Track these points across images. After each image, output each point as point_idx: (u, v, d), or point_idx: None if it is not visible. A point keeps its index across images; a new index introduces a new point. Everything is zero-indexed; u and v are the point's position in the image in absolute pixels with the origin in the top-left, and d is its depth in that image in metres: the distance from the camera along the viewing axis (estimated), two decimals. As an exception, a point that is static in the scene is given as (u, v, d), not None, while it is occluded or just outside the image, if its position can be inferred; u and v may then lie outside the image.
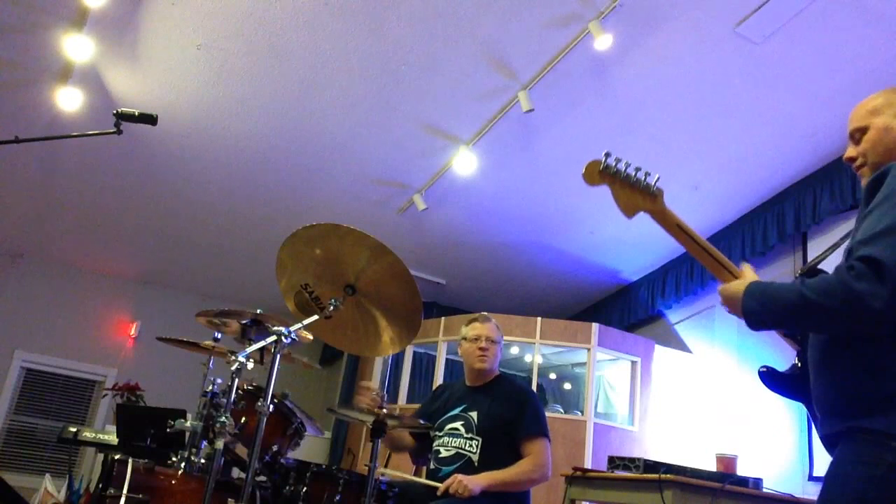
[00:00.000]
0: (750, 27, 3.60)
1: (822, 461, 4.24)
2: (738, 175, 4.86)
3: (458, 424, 2.76)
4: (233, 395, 2.08)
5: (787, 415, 4.56)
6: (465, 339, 2.90)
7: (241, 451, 2.50)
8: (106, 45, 4.02)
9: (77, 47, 3.90)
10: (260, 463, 2.45)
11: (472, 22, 3.74)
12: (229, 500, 2.18)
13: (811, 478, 4.30)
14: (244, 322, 2.72)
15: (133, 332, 7.04)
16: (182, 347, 3.24)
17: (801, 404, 1.62)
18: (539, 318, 5.41)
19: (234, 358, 1.97)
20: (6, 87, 4.42)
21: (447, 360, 5.80)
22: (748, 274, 1.46)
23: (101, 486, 2.26)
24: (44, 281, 6.77)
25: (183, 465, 2.37)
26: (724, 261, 1.49)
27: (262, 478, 2.51)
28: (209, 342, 2.99)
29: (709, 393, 5.34)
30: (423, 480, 2.71)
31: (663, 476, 2.68)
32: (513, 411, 2.70)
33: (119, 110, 2.22)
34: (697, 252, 1.48)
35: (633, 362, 5.46)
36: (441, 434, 2.79)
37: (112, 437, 4.15)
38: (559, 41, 3.81)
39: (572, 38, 3.76)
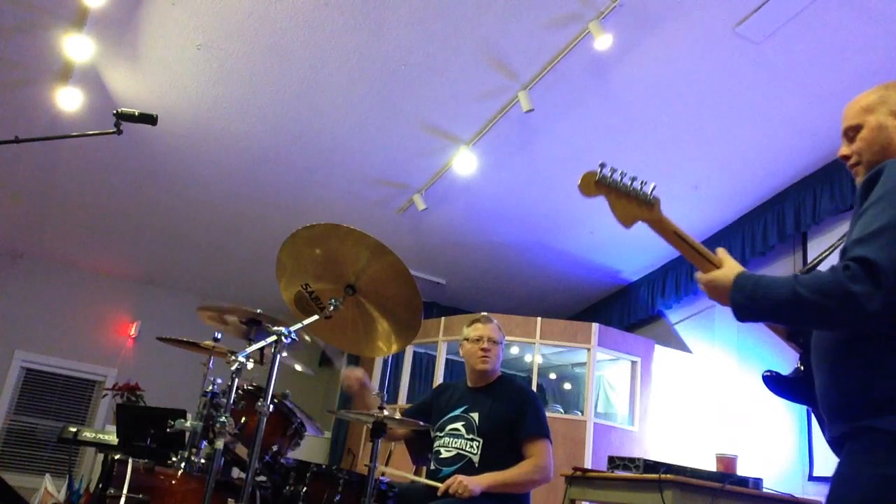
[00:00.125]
0: (750, 27, 3.60)
1: (822, 461, 4.24)
2: (738, 175, 4.86)
3: (458, 425, 2.76)
4: (233, 395, 2.08)
5: (787, 415, 4.56)
6: (466, 339, 2.89)
7: (241, 451, 2.50)
8: (106, 45, 4.02)
9: (77, 47, 3.89)
10: (260, 463, 2.45)
11: (472, 22, 3.74)
12: (229, 500, 2.18)
13: (811, 478, 4.30)
14: (244, 321, 2.72)
15: (133, 332, 7.03)
16: (182, 347, 3.24)
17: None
18: (539, 318, 5.42)
19: (234, 358, 1.97)
20: (6, 87, 4.42)
21: (447, 360, 5.80)
22: (727, 261, 1.44)
23: (101, 486, 2.26)
24: (44, 281, 6.77)
25: (183, 465, 2.37)
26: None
27: (262, 478, 2.51)
28: (209, 342, 2.99)
29: (709, 393, 5.34)
30: (423, 480, 2.71)
31: (663, 476, 2.68)
32: (514, 412, 2.70)
33: (119, 110, 2.22)
34: (696, 259, 1.48)
35: (633, 362, 5.46)
36: (442, 434, 2.78)
37: (112, 437, 4.16)
38: (559, 41, 3.81)
39: (572, 38, 3.76)
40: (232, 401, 2.07)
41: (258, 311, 2.67)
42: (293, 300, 2.41)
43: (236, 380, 2.03)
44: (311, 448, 6.54)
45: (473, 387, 2.87)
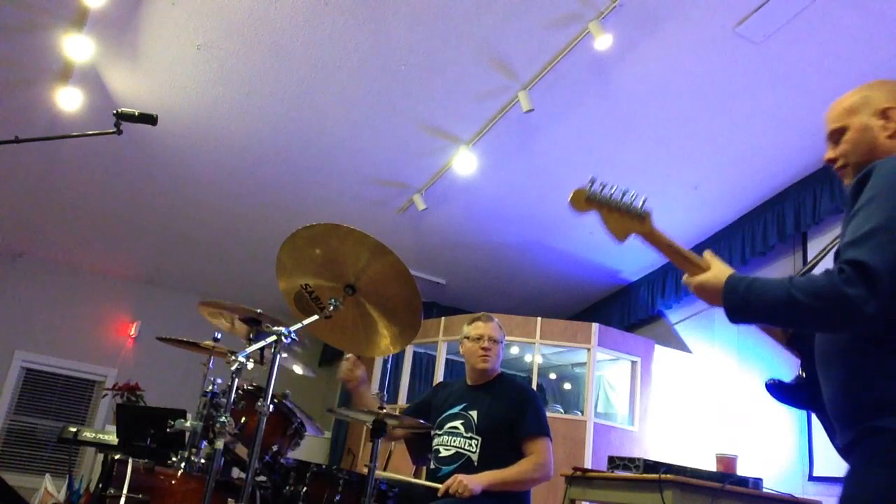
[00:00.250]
0: (750, 27, 3.60)
1: (822, 461, 4.24)
2: (738, 175, 4.86)
3: (457, 423, 2.76)
4: (233, 395, 2.08)
5: (787, 415, 4.56)
6: (467, 338, 2.89)
7: (241, 451, 2.50)
8: (106, 45, 4.02)
9: (77, 47, 3.89)
10: (260, 463, 2.45)
11: (472, 22, 3.74)
12: (229, 500, 2.18)
13: (811, 478, 4.30)
14: (244, 320, 2.72)
15: (133, 332, 7.03)
16: (182, 347, 3.24)
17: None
18: (539, 318, 5.41)
19: (234, 358, 1.97)
20: (6, 87, 4.42)
21: (447, 360, 5.80)
22: (716, 263, 1.43)
23: (101, 486, 2.26)
24: (44, 281, 6.77)
25: (183, 465, 2.37)
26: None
27: (262, 478, 2.51)
28: (209, 342, 2.99)
29: (709, 393, 5.34)
30: (422, 482, 2.71)
31: (663, 476, 2.68)
32: (514, 411, 2.70)
33: (119, 110, 2.22)
34: (688, 268, 1.48)
35: (633, 362, 5.46)
36: (441, 433, 2.78)
37: (112, 437, 4.16)
38: (559, 41, 3.81)
39: (572, 38, 3.76)
40: (232, 401, 2.07)
41: (258, 311, 2.67)
42: (293, 300, 2.41)
43: (236, 380, 2.03)
44: (311, 448, 6.54)
45: (473, 385, 2.87)
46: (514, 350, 6.01)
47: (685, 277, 1.47)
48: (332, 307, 2.21)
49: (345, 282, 2.29)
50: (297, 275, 2.35)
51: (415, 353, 6.24)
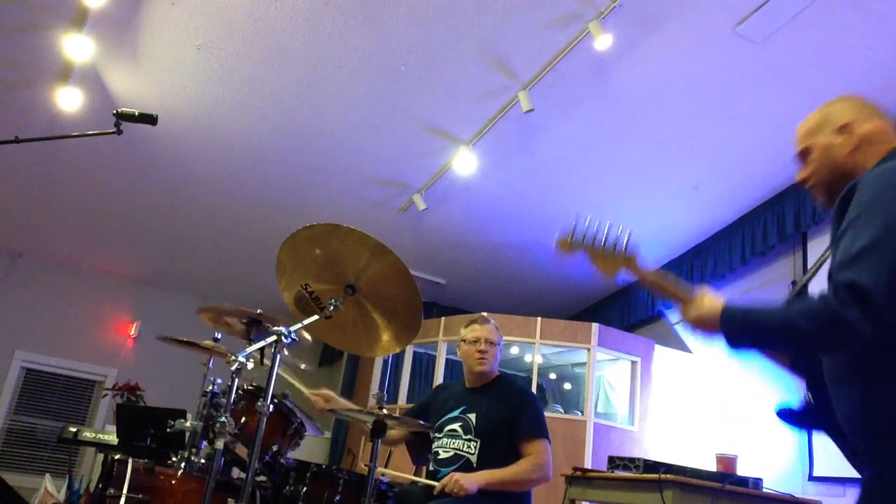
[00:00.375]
0: (750, 27, 3.60)
1: (822, 461, 4.24)
2: (738, 175, 4.86)
3: (456, 426, 2.76)
4: (233, 395, 2.08)
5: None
6: (464, 340, 2.89)
7: (241, 451, 2.50)
8: (106, 45, 4.02)
9: (77, 47, 3.89)
10: (260, 463, 2.45)
11: (472, 22, 3.74)
12: (229, 500, 2.18)
13: (811, 478, 4.30)
14: (244, 321, 2.72)
15: (133, 332, 7.03)
16: (182, 347, 3.24)
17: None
18: (539, 318, 5.41)
19: (234, 358, 1.97)
20: (6, 87, 4.42)
21: (447, 360, 5.80)
22: (706, 296, 1.44)
23: (101, 486, 2.26)
24: (44, 281, 6.77)
25: (183, 465, 2.37)
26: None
27: (262, 478, 2.51)
28: (209, 342, 2.99)
29: (709, 393, 5.34)
30: (422, 480, 2.71)
31: (663, 476, 2.68)
32: (512, 412, 2.70)
33: (119, 110, 2.22)
34: (677, 300, 1.49)
35: (633, 362, 5.46)
36: (440, 435, 2.79)
37: (112, 437, 4.16)
38: (559, 41, 3.81)
39: (572, 38, 3.76)
40: (232, 401, 2.07)
41: (258, 311, 2.67)
42: (293, 300, 2.41)
43: (236, 380, 2.03)
44: (311, 448, 6.54)
45: (471, 387, 2.88)
46: (514, 350, 6.01)
47: (681, 316, 1.49)
48: (332, 307, 2.21)
49: (345, 282, 2.29)
50: (297, 275, 2.35)
51: (415, 353, 6.23)
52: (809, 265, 4.67)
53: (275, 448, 2.55)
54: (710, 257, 5.39)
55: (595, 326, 5.35)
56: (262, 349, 2.09)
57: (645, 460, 2.87)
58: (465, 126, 4.56)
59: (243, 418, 2.47)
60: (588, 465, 4.73)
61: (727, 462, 3.10)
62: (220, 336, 2.94)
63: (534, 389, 5.33)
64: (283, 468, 2.48)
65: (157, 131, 4.41)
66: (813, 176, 1.54)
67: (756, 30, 3.61)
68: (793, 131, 1.63)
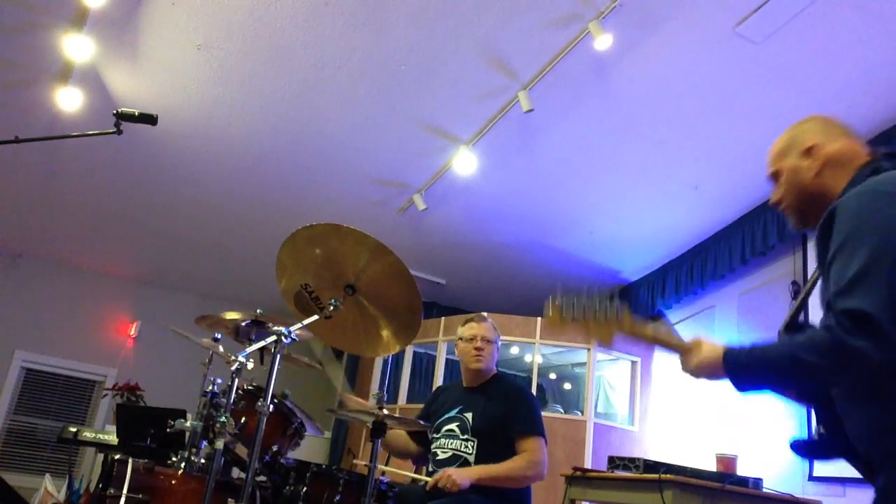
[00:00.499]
0: (750, 27, 3.59)
1: (822, 461, 4.24)
2: (738, 175, 4.86)
3: (453, 426, 2.76)
4: (233, 395, 2.08)
5: (787, 415, 4.56)
6: (461, 339, 2.90)
7: (241, 451, 2.50)
8: (106, 45, 4.02)
9: (77, 47, 3.89)
10: (260, 463, 2.45)
11: (472, 22, 3.74)
12: (229, 500, 2.18)
13: (811, 478, 4.30)
14: (244, 323, 2.72)
15: (133, 332, 7.03)
16: (188, 341, 3.21)
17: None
18: (539, 318, 5.41)
19: (234, 358, 1.97)
20: (6, 87, 4.42)
21: (447, 360, 5.80)
22: (704, 343, 1.44)
23: (101, 486, 2.26)
24: (44, 281, 6.77)
25: (183, 465, 2.37)
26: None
27: (262, 478, 2.51)
28: (209, 341, 2.98)
29: (709, 393, 5.33)
30: (423, 478, 2.71)
31: (663, 476, 2.68)
32: (508, 410, 2.71)
33: (119, 110, 2.22)
34: (678, 352, 1.48)
35: (633, 362, 5.47)
36: (438, 436, 2.79)
37: (112, 437, 4.16)
38: (559, 41, 3.81)
39: (572, 38, 3.76)
40: (232, 401, 2.07)
41: (258, 311, 2.67)
42: (293, 300, 2.41)
43: (236, 380, 2.04)
44: (311, 448, 6.54)
45: (469, 387, 2.88)
46: (514, 350, 6.02)
47: (682, 366, 1.48)
48: (332, 307, 2.21)
49: (345, 282, 2.29)
50: (297, 275, 2.35)
51: (415, 353, 6.24)
52: (809, 265, 4.66)
53: (275, 448, 2.55)
54: (710, 257, 5.39)
55: (595, 326, 5.34)
56: (262, 349, 2.09)
57: (645, 460, 2.87)
58: (465, 126, 4.56)
59: (243, 418, 2.47)
60: (588, 465, 4.73)
61: (727, 462, 3.10)
62: (220, 336, 2.94)
63: (534, 389, 5.33)
64: (283, 468, 2.48)
65: (157, 131, 4.41)
66: (784, 199, 1.55)
67: (756, 30, 3.61)
68: (793, 131, 1.63)
